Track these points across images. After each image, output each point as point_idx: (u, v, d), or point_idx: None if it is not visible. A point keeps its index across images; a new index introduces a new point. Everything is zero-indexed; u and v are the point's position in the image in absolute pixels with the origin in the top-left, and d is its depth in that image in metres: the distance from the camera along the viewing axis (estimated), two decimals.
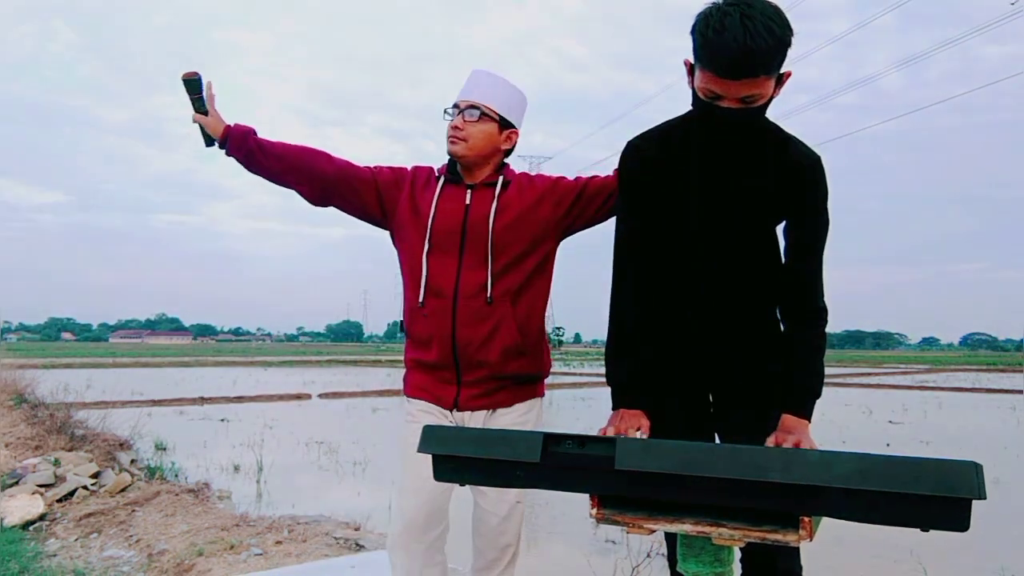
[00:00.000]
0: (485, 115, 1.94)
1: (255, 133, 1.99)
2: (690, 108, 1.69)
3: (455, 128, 1.93)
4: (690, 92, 1.58)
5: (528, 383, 2.02)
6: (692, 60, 1.53)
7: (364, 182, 2.00)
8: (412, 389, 2.02)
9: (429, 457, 1.87)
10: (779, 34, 1.40)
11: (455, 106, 1.96)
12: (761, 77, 1.43)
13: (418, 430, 1.83)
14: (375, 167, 2.05)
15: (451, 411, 1.96)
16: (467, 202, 1.95)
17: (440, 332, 1.92)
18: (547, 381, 2.13)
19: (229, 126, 1.99)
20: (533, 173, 2.07)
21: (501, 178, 1.98)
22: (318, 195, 2.01)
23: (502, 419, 1.96)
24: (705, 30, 1.42)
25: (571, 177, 2.06)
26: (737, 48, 1.38)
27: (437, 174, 2.03)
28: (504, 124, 1.97)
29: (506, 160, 2.04)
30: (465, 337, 1.91)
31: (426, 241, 1.93)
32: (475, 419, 1.96)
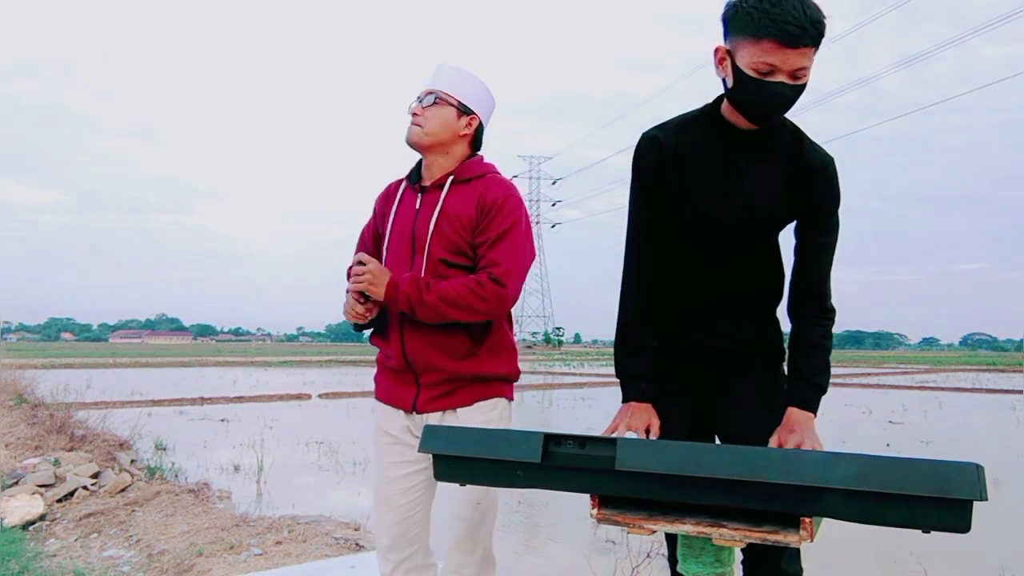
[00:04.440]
0: (441, 99, 1.94)
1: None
2: (706, 103, 1.70)
3: (413, 115, 1.94)
4: (721, 81, 1.59)
5: (486, 382, 1.96)
6: (727, 46, 1.54)
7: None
8: (380, 392, 2.03)
9: (399, 478, 1.95)
10: (822, 12, 1.47)
11: (417, 99, 1.97)
12: (812, 49, 1.48)
13: (385, 453, 1.97)
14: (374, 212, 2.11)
15: (411, 413, 1.94)
16: (417, 207, 1.96)
17: (392, 339, 1.95)
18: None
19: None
20: (509, 175, 2.04)
21: (451, 178, 1.93)
22: None
23: (461, 417, 1.92)
24: (759, 3, 1.45)
25: (499, 207, 1.91)
26: (799, 15, 1.43)
27: (402, 181, 2.05)
28: (464, 110, 1.95)
29: (479, 152, 2.02)
30: (413, 342, 1.91)
31: (384, 249, 1.99)
32: (432, 420, 1.92)
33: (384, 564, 1.98)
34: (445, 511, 1.94)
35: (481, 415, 1.93)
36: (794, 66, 1.48)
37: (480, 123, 1.99)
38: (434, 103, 1.93)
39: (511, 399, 2.03)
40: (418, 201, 1.96)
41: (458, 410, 1.93)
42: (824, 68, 1.55)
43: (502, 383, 2.00)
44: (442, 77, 1.98)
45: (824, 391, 1.65)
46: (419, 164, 2.03)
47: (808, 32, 1.44)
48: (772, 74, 1.49)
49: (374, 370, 2.09)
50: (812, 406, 1.63)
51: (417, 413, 1.93)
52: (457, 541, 1.91)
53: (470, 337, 1.90)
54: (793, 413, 1.62)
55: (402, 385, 1.96)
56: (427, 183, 1.97)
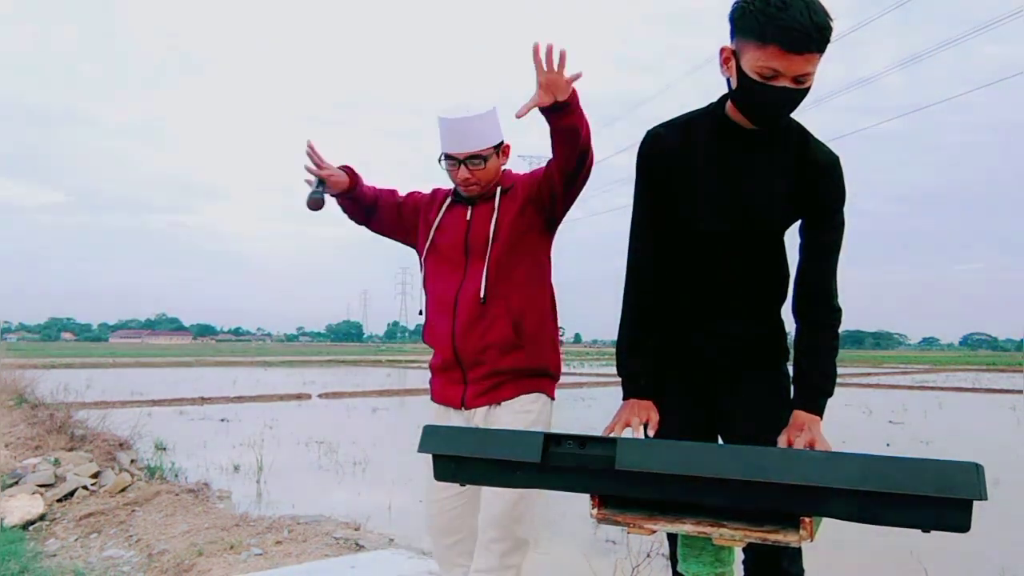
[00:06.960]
0: (486, 157, 2.03)
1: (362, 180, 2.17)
2: (711, 102, 1.69)
3: (466, 179, 2.04)
4: (726, 81, 1.59)
5: (529, 377, 2.04)
6: (733, 47, 1.54)
7: (393, 206, 2.22)
8: (434, 394, 2.17)
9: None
10: (829, 17, 1.46)
11: (449, 157, 2.03)
12: (817, 55, 1.47)
13: None
14: (409, 194, 2.26)
15: (460, 409, 2.05)
16: (468, 217, 2.09)
17: (443, 337, 2.06)
18: None
19: (354, 175, 2.13)
20: (530, 170, 2.13)
21: (499, 189, 2.08)
22: (366, 223, 2.25)
23: (505, 410, 2.00)
24: (766, 7, 1.44)
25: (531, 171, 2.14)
26: (805, 21, 1.42)
27: (447, 194, 2.19)
28: (498, 148, 2.06)
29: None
30: (463, 339, 2.02)
31: (426, 252, 2.13)
32: (479, 415, 2.03)
33: (437, 548, 2.13)
34: (488, 490, 2.00)
35: (522, 407, 2.01)
36: (798, 71, 1.47)
37: (510, 147, 2.12)
38: (484, 165, 2.03)
39: (552, 397, 2.10)
40: (468, 213, 2.09)
41: (503, 404, 2.02)
42: (824, 68, 1.54)
43: (543, 378, 2.08)
44: (469, 134, 2.01)
45: (830, 395, 1.64)
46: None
47: (814, 39, 1.44)
48: (776, 78, 1.48)
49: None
50: (818, 410, 1.62)
51: (466, 409, 2.04)
52: (493, 518, 1.99)
53: (514, 330, 2.00)
54: (800, 414, 1.62)
55: (452, 384, 2.08)
56: (473, 195, 2.09)
